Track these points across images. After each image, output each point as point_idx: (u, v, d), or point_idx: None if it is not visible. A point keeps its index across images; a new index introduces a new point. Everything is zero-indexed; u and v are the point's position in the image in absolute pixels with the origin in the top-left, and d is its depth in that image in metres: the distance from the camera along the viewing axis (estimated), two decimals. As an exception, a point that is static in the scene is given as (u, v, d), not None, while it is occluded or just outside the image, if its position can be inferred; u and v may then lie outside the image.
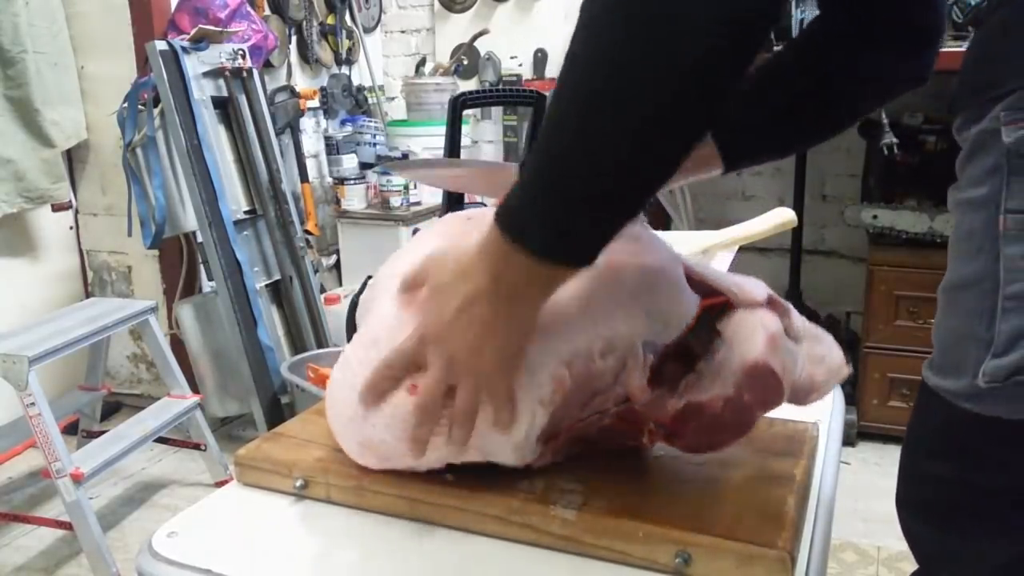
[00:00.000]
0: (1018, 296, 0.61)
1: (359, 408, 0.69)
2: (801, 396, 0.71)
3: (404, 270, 0.71)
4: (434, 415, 0.65)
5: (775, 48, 0.82)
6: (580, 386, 0.67)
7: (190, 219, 2.58)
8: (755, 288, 0.71)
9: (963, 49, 0.73)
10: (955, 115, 0.66)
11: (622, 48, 0.51)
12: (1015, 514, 0.66)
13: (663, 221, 3.01)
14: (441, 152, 2.44)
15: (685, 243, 1.15)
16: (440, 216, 2.46)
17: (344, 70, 3.47)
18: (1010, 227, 0.61)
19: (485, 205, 2.76)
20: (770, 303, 0.71)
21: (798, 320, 0.74)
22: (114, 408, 2.93)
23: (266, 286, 2.72)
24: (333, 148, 3.24)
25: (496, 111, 3.49)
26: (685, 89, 0.51)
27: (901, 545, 2.25)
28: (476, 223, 0.74)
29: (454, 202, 2.39)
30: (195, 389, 2.55)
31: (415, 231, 2.88)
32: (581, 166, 0.54)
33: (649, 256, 0.69)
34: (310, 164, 3.26)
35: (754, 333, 0.67)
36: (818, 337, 0.74)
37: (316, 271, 2.92)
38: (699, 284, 0.71)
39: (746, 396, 0.66)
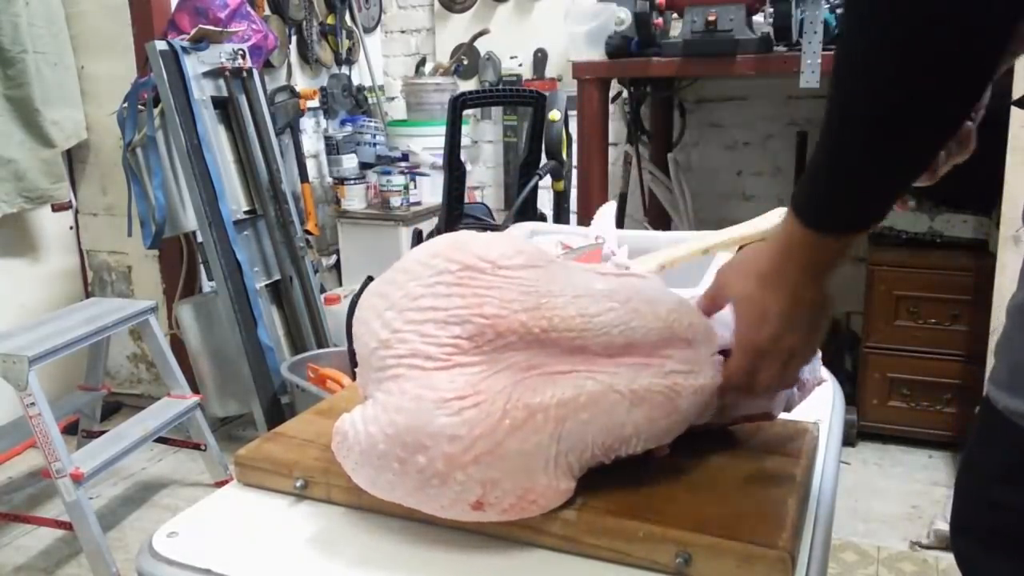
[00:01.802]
0: None
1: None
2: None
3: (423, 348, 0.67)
4: None
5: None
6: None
7: (190, 219, 2.58)
8: None
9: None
10: None
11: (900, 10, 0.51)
12: None
13: (663, 221, 3.00)
14: (441, 152, 2.43)
15: (685, 243, 1.15)
16: (439, 216, 2.45)
17: (344, 70, 3.47)
18: None
19: (484, 206, 2.76)
20: None
21: None
22: (114, 408, 2.93)
23: (266, 286, 2.72)
24: (333, 148, 3.24)
25: (496, 111, 3.49)
26: (968, 37, 0.50)
27: (901, 545, 2.24)
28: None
29: (454, 202, 2.39)
30: (195, 389, 2.55)
31: (415, 231, 2.87)
32: (870, 141, 0.56)
33: (702, 372, 0.71)
34: (310, 164, 3.26)
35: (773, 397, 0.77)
36: None
37: (316, 271, 2.92)
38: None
39: (741, 421, 0.79)
